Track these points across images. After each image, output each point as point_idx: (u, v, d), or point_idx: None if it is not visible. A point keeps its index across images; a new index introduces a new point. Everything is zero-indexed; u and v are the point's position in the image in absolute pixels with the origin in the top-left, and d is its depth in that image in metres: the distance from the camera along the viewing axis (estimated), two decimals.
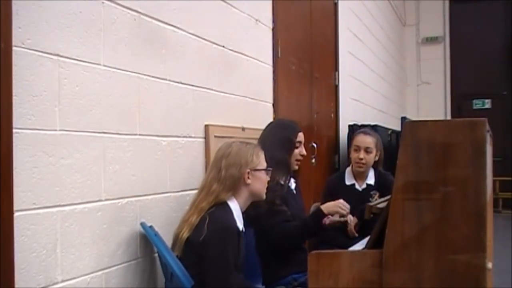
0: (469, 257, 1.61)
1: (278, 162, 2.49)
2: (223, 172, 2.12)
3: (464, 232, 1.62)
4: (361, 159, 3.15)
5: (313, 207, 2.54)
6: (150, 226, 2.19)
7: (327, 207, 2.45)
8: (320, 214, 2.43)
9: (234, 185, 2.13)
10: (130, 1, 2.15)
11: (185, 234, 2.04)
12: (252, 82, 3.25)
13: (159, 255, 2.19)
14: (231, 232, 2.03)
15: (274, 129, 2.70)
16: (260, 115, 3.37)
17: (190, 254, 2.02)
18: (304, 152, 2.69)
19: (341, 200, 2.47)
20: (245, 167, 2.14)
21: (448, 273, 1.63)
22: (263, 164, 2.22)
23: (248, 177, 2.16)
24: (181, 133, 2.50)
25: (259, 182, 2.20)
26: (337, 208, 2.44)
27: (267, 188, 2.27)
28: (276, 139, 2.58)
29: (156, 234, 2.17)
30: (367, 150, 3.16)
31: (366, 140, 3.18)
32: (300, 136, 2.67)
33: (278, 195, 2.47)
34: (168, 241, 2.16)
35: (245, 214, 2.40)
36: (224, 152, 2.18)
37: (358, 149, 3.18)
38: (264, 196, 2.24)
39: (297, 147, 2.64)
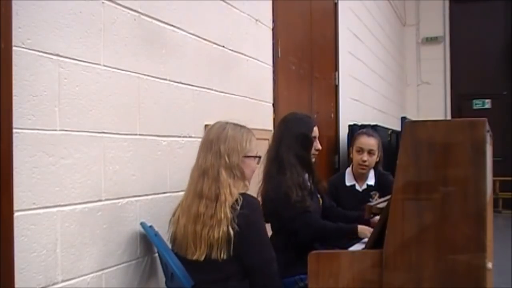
0: (469, 257, 1.61)
1: (300, 159, 2.55)
2: (226, 159, 1.99)
3: (464, 232, 1.62)
4: (365, 161, 3.14)
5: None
6: (150, 226, 2.19)
7: (362, 231, 2.51)
8: (354, 232, 2.52)
9: (242, 173, 2.03)
10: (130, 1, 2.15)
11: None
12: (252, 82, 3.25)
13: (159, 255, 2.19)
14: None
15: (289, 125, 2.65)
16: (260, 115, 3.36)
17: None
18: (319, 146, 2.69)
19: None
20: (242, 153, 2.04)
21: (448, 273, 1.62)
22: (255, 151, 2.11)
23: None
24: (181, 133, 2.50)
25: (250, 170, 2.09)
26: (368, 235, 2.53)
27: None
28: (294, 136, 2.58)
29: (156, 234, 2.17)
30: (370, 152, 3.15)
31: (369, 142, 3.17)
32: (315, 131, 2.67)
33: (307, 192, 2.51)
34: (169, 241, 2.16)
35: (263, 207, 2.43)
36: (219, 135, 2.04)
37: (361, 151, 3.16)
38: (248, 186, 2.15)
39: (312, 142, 2.65)
